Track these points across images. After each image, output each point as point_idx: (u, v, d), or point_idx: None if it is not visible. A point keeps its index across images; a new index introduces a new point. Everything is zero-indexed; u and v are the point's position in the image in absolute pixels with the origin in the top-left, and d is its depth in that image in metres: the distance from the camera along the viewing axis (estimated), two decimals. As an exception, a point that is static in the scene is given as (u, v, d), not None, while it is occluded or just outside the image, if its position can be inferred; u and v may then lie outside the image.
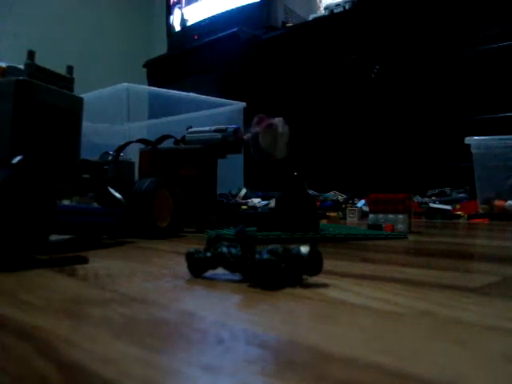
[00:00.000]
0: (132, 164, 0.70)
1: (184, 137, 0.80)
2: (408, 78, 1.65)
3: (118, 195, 0.60)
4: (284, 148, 0.73)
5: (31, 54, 0.52)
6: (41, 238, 0.41)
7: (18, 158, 0.43)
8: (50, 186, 0.42)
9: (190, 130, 0.81)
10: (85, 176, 0.60)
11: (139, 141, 0.78)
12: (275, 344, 0.20)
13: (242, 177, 1.51)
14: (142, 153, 0.80)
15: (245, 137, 0.76)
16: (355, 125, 1.77)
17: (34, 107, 0.51)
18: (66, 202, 0.58)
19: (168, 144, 0.82)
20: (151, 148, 0.79)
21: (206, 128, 0.80)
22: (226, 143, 0.77)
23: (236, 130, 0.77)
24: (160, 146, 0.80)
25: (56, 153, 0.55)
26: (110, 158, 0.67)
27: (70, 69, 0.59)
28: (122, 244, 0.58)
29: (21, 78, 0.50)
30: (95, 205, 0.61)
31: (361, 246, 0.57)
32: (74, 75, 0.58)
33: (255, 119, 0.74)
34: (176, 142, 0.80)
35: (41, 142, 0.52)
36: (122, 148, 0.70)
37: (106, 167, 0.64)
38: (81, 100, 0.61)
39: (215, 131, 0.78)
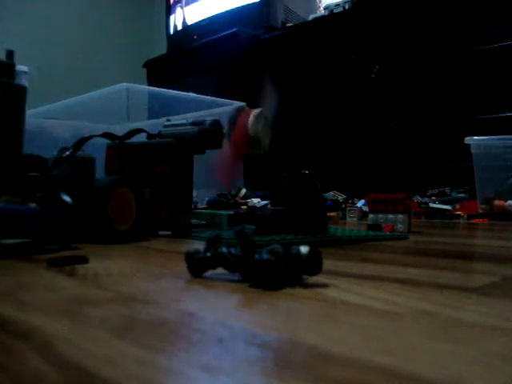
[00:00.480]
0: (91, 160, 0.63)
1: (160, 131, 0.72)
2: (408, 77, 1.65)
3: (64, 196, 0.52)
4: (268, 138, 0.68)
5: None
6: None
7: None
8: None
9: (166, 123, 0.73)
10: (32, 174, 0.54)
11: (104, 135, 0.70)
12: (275, 344, 0.20)
13: (241, 176, 1.51)
14: (108, 148, 0.72)
15: (224, 129, 0.69)
16: (355, 125, 1.77)
17: None
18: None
19: (142, 139, 0.74)
20: (118, 143, 0.71)
21: (183, 121, 0.71)
22: (203, 137, 0.68)
23: (215, 123, 0.69)
24: (131, 141, 0.72)
25: None
26: (67, 153, 0.60)
27: (9, 54, 0.53)
28: (121, 244, 0.57)
29: None
30: (32, 206, 0.52)
31: (361, 246, 0.57)
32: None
33: (235, 111, 0.68)
34: (149, 136, 0.72)
35: None
36: (80, 143, 0.63)
37: (50, 164, 0.57)
38: (23, 89, 0.54)
39: (192, 124, 0.70)
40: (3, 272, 0.38)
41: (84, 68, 2.76)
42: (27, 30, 2.64)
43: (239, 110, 0.68)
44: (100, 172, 0.68)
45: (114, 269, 0.39)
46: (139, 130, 0.73)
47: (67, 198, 0.52)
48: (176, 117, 0.80)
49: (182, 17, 2.51)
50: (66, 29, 2.81)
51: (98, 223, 0.56)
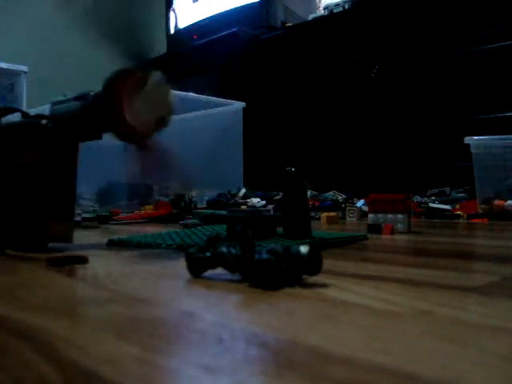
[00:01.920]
0: None
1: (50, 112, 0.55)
2: (408, 77, 1.65)
3: None
4: (153, 116, 0.50)
5: None
6: None
7: None
8: None
9: (54, 99, 0.55)
10: None
11: None
12: (275, 344, 0.20)
13: (241, 176, 1.51)
14: None
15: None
16: (355, 124, 1.77)
17: None
18: None
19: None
20: None
21: (68, 96, 0.54)
22: (87, 115, 0.50)
23: (102, 94, 0.50)
24: None
25: None
26: None
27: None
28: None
29: None
30: None
31: (361, 246, 0.57)
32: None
33: (113, 76, 0.51)
34: (24, 116, 0.55)
35: None
36: None
37: None
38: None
39: (75, 99, 0.52)
40: (3, 272, 0.38)
41: (83, 68, 2.76)
42: (27, 29, 2.64)
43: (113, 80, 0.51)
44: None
45: (114, 269, 0.39)
46: (12, 109, 0.57)
47: None
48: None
49: (181, 17, 2.51)
50: (66, 28, 2.81)
51: None
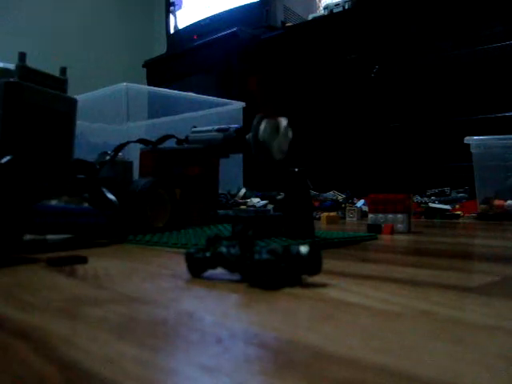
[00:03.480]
0: (129, 164, 0.70)
1: (187, 137, 0.79)
2: (408, 77, 1.65)
3: (110, 196, 0.59)
4: (283, 149, 0.69)
5: (22, 56, 0.52)
6: (14, 238, 0.41)
7: (6, 159, 0.43)
8: (31, 186, 0.42)
9: (193, 129, 0.81)
10: (80, 176, 0.60)
11: (139, 141, 0.78)
12: (275, 344, 0.20)
13: (241, 176, 1.51)
14: (142, 153, 0.79)
15: (246, 136, 0.72)
16: (355, 124, 1.77)
17: (23, 109, 0.51)
18: (54, 202, 0.56)
19: (171, 144, 0.81)
20: (151, 148, 0.78)
21: (209, 127, 0.78)
22: (228, 143, 0.75)
23: (238, 130, 0.75)
24: (162, 146, 0.79)
25: (46, 153, 0.55)
26: (107, 157, 0.67)
27: (63, 70, 0.59)
28: (121, 244, 0.57)
29: (11, 79, 0.50)
30: (86, 205, 0.59)
31: (361, 246, 0.57)
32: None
33: (258, 116, 0.71)
34: (179, 141, 0.80)
35: (30, 143, 0.52)
36: (120, 148, 0.70)
37: (97, 167, 0.64)
38: (74, 101, 0.61)
39: (217, 131, 0.76)
40: (3, 272, 0.38)
41: (83, 67, 2.76)
42: (27, 29, 2.64)
43: (260, 118, 0.70)
44: (135, 175, 0.73)
45: (114, 269, 0.39)
46: (170, 136, 0.80)
47: (113, 198, 0.58)
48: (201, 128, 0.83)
49: (181, 17, 2.51)
50: (66, 28, 2.81)
51: (139, 221, 0.63)
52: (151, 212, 0.65)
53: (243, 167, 1.52)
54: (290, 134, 0.70)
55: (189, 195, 0.75)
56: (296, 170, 0.58)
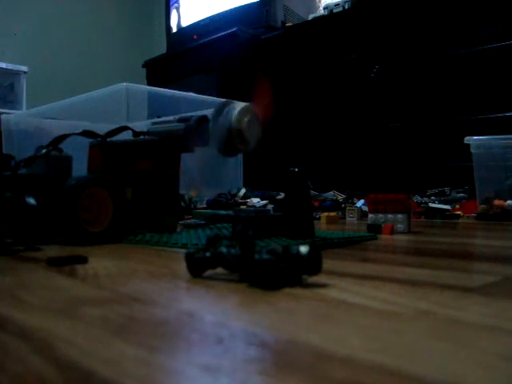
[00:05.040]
0: (68, 159, 0.62)
1: (148, 129, 0.70)
2: (407, 77, 1.65)
3: (28, 197, 0.51)
4: (253, 139, 0.62)
5: None
6: None
7: None
8: None
9: (154, 120, 0.71)
10: (6, 173, 0.54)
11: (84, 133, 0.65)
12: (275, 344, 0.20)
13: (241, 176, 1.51)
14: (91, 147, 0.68)
15: (210, 125, 0.64)
16: (355, 124, 1.77)
17: None
18: None
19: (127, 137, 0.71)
20: (100, 141, 0.67)
21: (171, 117, 0.69)
22: (189, 134, 0.64)
23: (202, 119, 0.65)
24: (113, 140, 0.68)
25: None
26: (43, 152, 0.59)
27: None
28: (121, 244, 0.57)
29: None
30: None
31: (361, 246, 0.57)
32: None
33: (220, 105, 0.63)
34: (135, 134, 0.69)
35: None
36: (57, 141, 0.61)
37: (16, 162, 0.56)
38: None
39: (179, 121, 0.66)
40: (3, 272, 0.38)
41: (83, 68, 2.76)
42: (27, 29, 2.63)
43: (224, 104, 0.63)
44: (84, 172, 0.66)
45: (114, 269, 0.39)
46: (124, 128, 0.69)
47: (30, 200, 0.51)
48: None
49: (181, 17, 2.51)
50: (66, 28, 2.80)
51: (68, 224, 0.54)
52: (88, 214, 0.57)
53: (243, 167, 1.52)
54: (257, 118, 0.63)
55: (140, 195, 0.65)
56: (296, 170, 0.57)
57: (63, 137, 0.62)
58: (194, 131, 0.65)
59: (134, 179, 0.65)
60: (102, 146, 0.67)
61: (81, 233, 0.55)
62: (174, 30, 2.56)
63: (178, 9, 2.54)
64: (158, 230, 0.65)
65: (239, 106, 0.62)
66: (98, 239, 0.56)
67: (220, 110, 0.62)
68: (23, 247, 0.51)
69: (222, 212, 0.79)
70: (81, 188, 0.55)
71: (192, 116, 0.66)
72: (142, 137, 0.69)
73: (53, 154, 0.60)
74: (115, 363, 0.17)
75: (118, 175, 0.63)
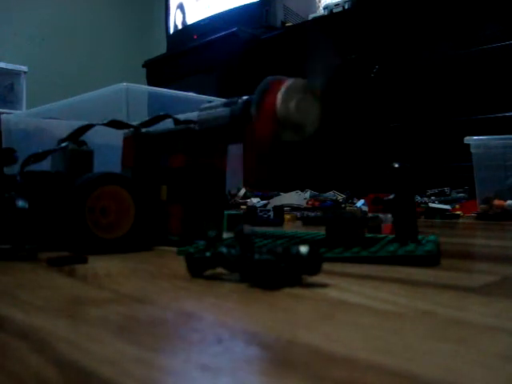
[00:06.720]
0: (87, 154, 0.54)
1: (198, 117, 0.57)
2: (408, 77, 1.65)
3: (19, 199, 0.44)
4: (309, 124, 0.51)
5: None
6: None
7: None
8: None
9: (201, 106, 0.56)
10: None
11: (110, 123, 0.56)
12: (275, 344, 0.20)
13: (241, 176, 1.51)
14: (124, 139, 0.59)
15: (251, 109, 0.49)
16: (355, 124, 1.77)
17: None
18: None
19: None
20: (134, 132, 0.58)
21: (218, 102, 0.54)
22: (235, 122, 0.51)
23: (248, 102, 0.50)
24: (150, 130, 0.58)
25: None
26: (63, 146, 0.52)
27: None
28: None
29: None
30: None
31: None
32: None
33: (265, 85, 0.50)
34: (176, 122, 0.57)
35: None
36: (77, 134, 0.53)
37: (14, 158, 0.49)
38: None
39: (225, 105, 0.53)
40: (3, 272, 0.38)
41: (83, 67, 2.75)
42: (27, 29, 2.63)
43: (271, 83, 0.51)
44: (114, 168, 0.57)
45: (114, 268, 0.39)
46: (164, 116, 0.58)
47: (20, 202, 0.44)
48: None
49: (181, 16, 2.51)
50: (66, 28, 2.81)
51: (74, 230, 0.46)
52: (103, 218, 0.48)
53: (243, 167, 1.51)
54: (311, 96, 0.52)
55: (174, 195, 0.54)
56: (402, 165, 0.50)
57: (85, 128, 0.54)
58: (242, 118, 0.51)
59: (168, 176, 0.54)
60: (135, 137, 0.58)
61: (90, 240, 0.47)
62: (174, 29, 2.56)
63: (177, 9, 2.54)
64: (195, 238, 0.53)
65: (285, 84, 0.50)
66: (113, 247, 0.48)
67: (264, 90, 0.50)
68: (20, 252, 0.46)
69: (312, 214, 0.69)
70: (88, 187, 0.47)
71: (239, 98, 0.52)
72: (179, 126, 0.56)
73: (70, 148, 0.52)
74: (115, 363, 0.17)
75: (149, 171, 0.55)
